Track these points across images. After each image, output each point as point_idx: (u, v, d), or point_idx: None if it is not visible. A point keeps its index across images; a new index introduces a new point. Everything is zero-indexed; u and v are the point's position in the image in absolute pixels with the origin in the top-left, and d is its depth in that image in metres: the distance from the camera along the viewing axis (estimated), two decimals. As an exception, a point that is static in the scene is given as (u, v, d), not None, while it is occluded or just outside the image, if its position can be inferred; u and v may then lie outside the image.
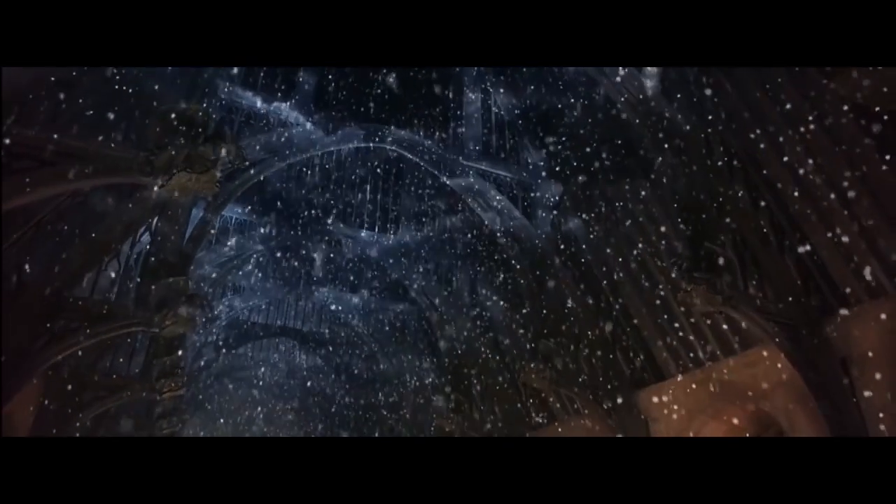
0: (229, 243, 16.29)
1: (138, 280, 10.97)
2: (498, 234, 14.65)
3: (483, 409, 15.87)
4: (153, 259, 10.96)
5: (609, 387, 12.64)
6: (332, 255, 18.94)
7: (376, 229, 17.85)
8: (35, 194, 7.77)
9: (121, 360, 14.22)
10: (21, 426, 11.15)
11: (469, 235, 16.44)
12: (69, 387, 12.27)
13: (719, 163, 9.89)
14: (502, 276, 15.63)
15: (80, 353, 12.59)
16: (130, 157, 6.20)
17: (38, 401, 11.79)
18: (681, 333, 11.88)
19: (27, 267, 9.38)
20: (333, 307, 21.22)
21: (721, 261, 9.02)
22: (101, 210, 10.45)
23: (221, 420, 29.90)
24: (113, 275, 11.57)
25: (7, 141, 5.78)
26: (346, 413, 24.94)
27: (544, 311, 13.56)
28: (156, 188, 6.23)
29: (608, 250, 12.96)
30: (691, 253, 8.57)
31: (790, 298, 9.06)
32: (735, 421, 11.01)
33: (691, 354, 11.86)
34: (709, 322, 11.29)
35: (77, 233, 10.37)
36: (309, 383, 26.03)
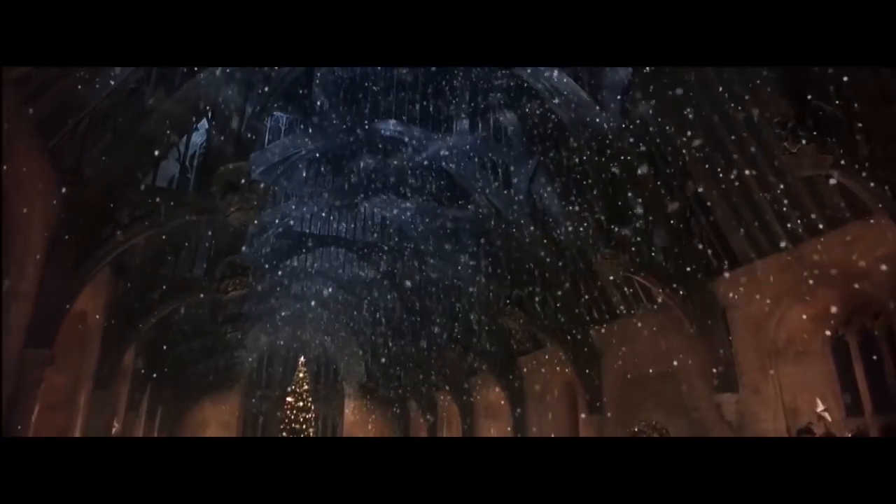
0: (279, 142, 15.89)
1: (198, 172, 10.70)
2: (564, 123, 13.84)
3: (546, 305, 15.51)
4: (210, 149, 10.62)
5: (684, 273, 12.03)
6: (385, 159, 18.40)
7: (430, 127, 17.16)
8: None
9: (182, 266, 14.23)
10: (93, 328, 11.27)
11: (534, 130, 15.67)
12: (136, 290, 12.34)
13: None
14: (566, 167, 14.90)
15: (140, 259, 12.75)
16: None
17: (106, 301, 11.87)
18: (765, 216, 11.11)
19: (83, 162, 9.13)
20: (387, 214, 20.86)
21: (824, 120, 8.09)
22: (151, 105, 10.12)
23: (277, 335, 30.45)
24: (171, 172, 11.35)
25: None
26: (402, 324, 25.00)
27: (613, 199, 12.85)
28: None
29: (681, 133, 12.07)
30: (796, 111, 7.70)
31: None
32: (828, 303, 10.34)
33: (773, 237, 11.12)
34: (786, 203, 10.49)
35: (130, 127, 10.08)
36: (363, 294, 26.08)
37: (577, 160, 14.48)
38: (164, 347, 15.64)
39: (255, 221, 11.79)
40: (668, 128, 12.29)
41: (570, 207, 14.97)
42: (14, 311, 7.25)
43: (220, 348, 20.10)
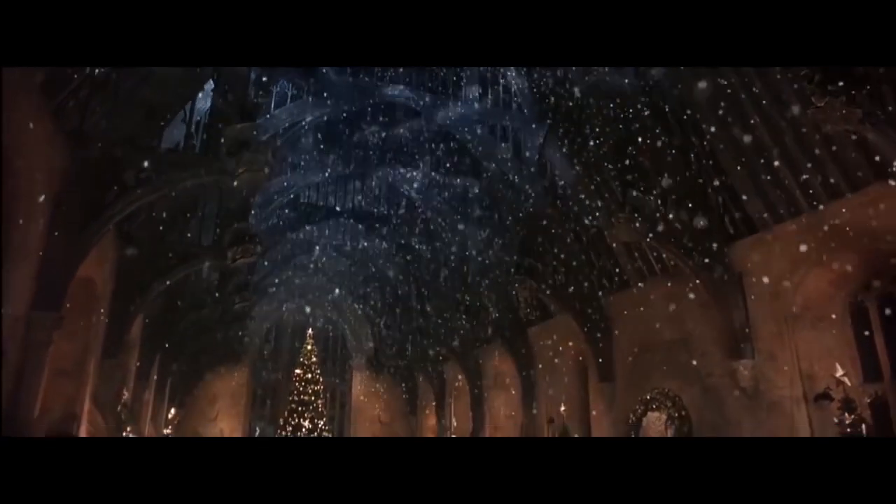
0: (285, 108, 15.63)
1: (204, 136, 10.52)
2: (576, 86, 13.53)
3: (557, 274, 15.34)
4: (215, 114, 10.42)
5: (700, 239, 11.81)
6: (393, 126, 18.11)
7: (439, 94, 16.85)
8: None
9: (189, 234, 14.10)
10: (100, 295, 11.19)
11: (545, 96, 15.35)
12: (143, 258, 12.21)
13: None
14: (577, 133, 14.61)
15: (147, 228, 12.62)
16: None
17: (113, 268, 11.76)
18: (783, 179, 10.84)
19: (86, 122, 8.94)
20: (395, 183, 20.62)
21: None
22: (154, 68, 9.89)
23: (285, 307, 30.41)
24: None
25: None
26: (410, 296, 24.89)
27: (627, 163, 12.59)
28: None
29: (695, 95, 11.75)
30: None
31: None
32: (848, 267, 10.12)
33: (791, 201, 10.86)
34: (805, 165, 10.23)
35: (134, 90, 9.88)
36: (371, 266, 25.94)
37: (589, 125, 14.18)
38: (173, 318, 15.58)
39: (263, 185, 11.56)
40: (681, 88, 11.99)
41: (583, 173, 14.70)
42: (19, 274, 7.13)
43: (228, 319, 20.06)
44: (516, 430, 20.75)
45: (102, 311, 11.38)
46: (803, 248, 10.54)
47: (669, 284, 13.45)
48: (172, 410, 21.81)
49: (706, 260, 11.66)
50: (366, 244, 24.15)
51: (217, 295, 16.67)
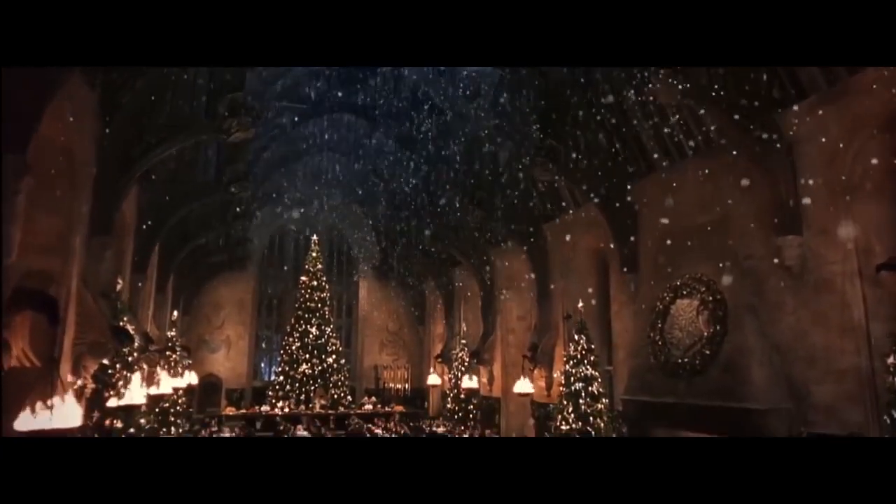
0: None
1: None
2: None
3: (580, 157, 14.19)
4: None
5: (745, 105, 10.62)
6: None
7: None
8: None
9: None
10: (83, 158, 10.22)
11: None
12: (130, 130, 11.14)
13: None
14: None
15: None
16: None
17: (95, 137, 10.70)
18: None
19: None
20: (400, 72, 19.16)
21: None
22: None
23: (287, 215, 29.45)
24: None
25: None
26: (418, 197, 23.84)
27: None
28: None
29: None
30: None
31: None
32: None
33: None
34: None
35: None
36: (376, 166, 24.77)
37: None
38: (171, 206, 14.64)
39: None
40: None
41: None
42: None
43: (229, 217, 19.18)
44: (528, 332, 20.22)
45: (87, 188, 10.39)
46: (864, 110, 9.38)
47: (704, 164, 12.37)
48: (175, 313, 21.22)
49: (752, 127, 10.50)
50: (372, 142, 22.88)
51: (215, 185, 15.67)
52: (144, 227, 13.94)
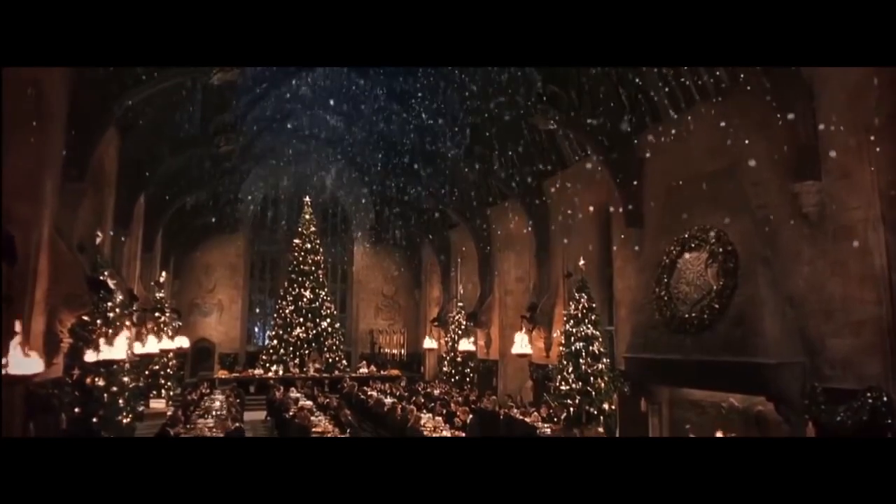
0: None
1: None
2: None
3: (583, 105, 13.49)
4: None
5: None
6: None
7: None
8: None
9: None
10: (56, 99, 9.54)
11: None
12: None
13: None
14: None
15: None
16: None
17: (67, 79, 9.99)
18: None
19: None
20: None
21: None
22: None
23: (279, 175, 28.72)
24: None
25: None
26: (413, 154, 23.12)
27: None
28: None
29: None
30: None
31: None
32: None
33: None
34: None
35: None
36: (369, 122, 23.94)
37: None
38: (154, 158, 13.96)
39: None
40: None
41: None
42: None
43: (218, 173, 18.49)
44: (527, 293, 19.74)
45: (58, 124, 9.71)
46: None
47: (714, 108, 11.72)
48: (164, 273, 20.65)
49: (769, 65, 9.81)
50: (364, 95, 22.02)
51: (202, 138, 14.95)
52: (126, 178, 13.26)
